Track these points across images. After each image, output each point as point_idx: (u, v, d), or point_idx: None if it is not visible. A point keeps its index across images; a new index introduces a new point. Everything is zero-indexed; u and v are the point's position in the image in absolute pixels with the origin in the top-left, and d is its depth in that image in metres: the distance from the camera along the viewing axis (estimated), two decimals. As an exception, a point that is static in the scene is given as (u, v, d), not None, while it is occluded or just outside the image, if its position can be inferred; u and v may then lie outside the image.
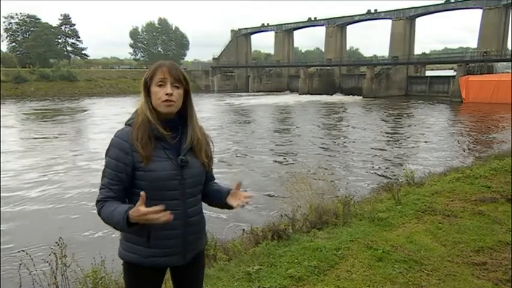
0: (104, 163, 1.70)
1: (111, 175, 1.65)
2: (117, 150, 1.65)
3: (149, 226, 1.59)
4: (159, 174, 1.65)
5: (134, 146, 1.63)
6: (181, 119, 1.76)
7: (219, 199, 1.83)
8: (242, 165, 13.73)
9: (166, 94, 1.66)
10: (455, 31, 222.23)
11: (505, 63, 43.36)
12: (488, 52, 43.30)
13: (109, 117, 27.66)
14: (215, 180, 1.97)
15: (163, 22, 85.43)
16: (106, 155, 1.68)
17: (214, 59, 69.18)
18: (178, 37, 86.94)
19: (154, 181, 1.64)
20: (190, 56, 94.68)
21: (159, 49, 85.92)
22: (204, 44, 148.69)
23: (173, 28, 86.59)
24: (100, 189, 1.67)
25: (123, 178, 1.65)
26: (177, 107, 1.71)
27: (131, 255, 1.72)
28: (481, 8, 46.19)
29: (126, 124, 1.72)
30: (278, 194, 9.71)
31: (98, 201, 1.66)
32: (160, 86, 1.68)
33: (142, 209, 1.49)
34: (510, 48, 47.59)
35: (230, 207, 1.79)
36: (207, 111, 33.57)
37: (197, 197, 1.80)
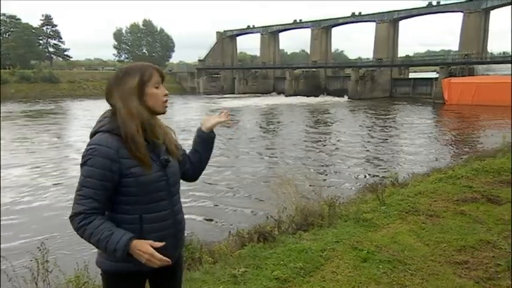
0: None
1: (95, 185, 1.55)
2: (101, 158, 1.55)
3: (143, 233, 1.62)
4: (150, 178, 1.62)
5: (131, 152, 1.58)
6: None
7: (200, 141, 1.90)
8: (227, 167, 13.71)
9: (166, 95, 1.71)
10: (438, 34, 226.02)
11: (485, 65, 44.30)
12: (469, 55, 44.26)
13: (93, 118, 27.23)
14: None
15: (148, 23, 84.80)
16: (85, 164, 1.57)
17: (199, 60, 68.94)
18: (164, 38, 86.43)
19: (145, 185, 1.62)
20: (175, 58, 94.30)
21: (144, 51, 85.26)
22: (190, 46, 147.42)
23: (158, 29, 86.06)
24: (79, 199, 1.55)
25: (109, 187, 1.58)
26: None
27: (124, 264, 1.62)
28: (461, 12, 47.16)
29: (99, 131, 1.62)
30: (264, 195, 9.72)
31: (79, 213, 1.54)
32: (156, 88, 1.69)
33: (153, 251, 1.53)
34: (490, 51, 48.72)
35: (211, 139, 1.90)
36: (193, 113, 33.40)
37: (178, 194, 1.81)
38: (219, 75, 66.85)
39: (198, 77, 64.99)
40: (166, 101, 1.70)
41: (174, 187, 1.75)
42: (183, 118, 27.23)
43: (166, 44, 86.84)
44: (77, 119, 29.62)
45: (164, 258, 1.54)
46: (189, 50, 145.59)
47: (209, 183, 11.35)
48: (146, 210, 1.65)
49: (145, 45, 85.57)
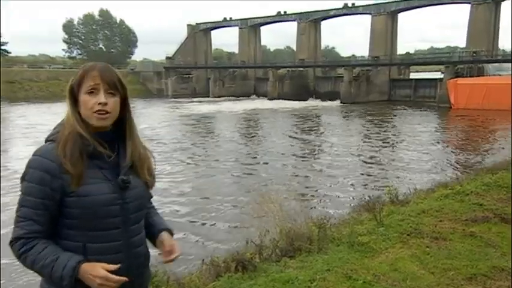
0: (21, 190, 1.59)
1: (35, 204, 1.55)
2: (40, 172, 1.55)
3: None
4: (97, 199, 1.59)
5: (62, 164, 1.55)
6: (117, 131, 1.71)
7: (151, 235, 1.86)
8: (200, 184, 13.65)
9: (99, 104, 1.61)
10: (442, 29, 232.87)
11: (496, 64, 45.45)
12: (478, 52, 45.41)
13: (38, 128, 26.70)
14: (151, 202, 1.97)
15: (105, 14, 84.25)
16: (23, 179, 1.58)
17: (167, 58, 68.93)
18: (124, 32, 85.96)
19: (91, 207, 1.58)
20: (139, 55, 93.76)
21: (101, 45, 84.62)
22: (156, 41, 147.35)
23: (117, 21, 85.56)
24: (19, 222, 1.56)
25: (51, 206, 1.56)
26: (112, 118, 1.66)
27: None
28: (468, 3, 48.41)
29: (47, 140, 1.64)
30: (243, 217, 9.70)
31: (19, 238, 1.55)
32: (91, 93, 1.62)
33: (105, 272, 1.51)
34: (501, 48, 50.22)
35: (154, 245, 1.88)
36: (159, 119, 33.29)
37: (141, 223, 1.77)
38: (190, 76, 66.87)
39: (165, 77, 64.91)
40: (100, 111, 1.61)
41: (135, 214, 1.71)
42: (145, 126, 27.15)
43: (127, 38, 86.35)
44: (10, 128, 28.66)
45: (122, 278, 1.53)
46: (155, 46, 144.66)
47: (178, 203, 11.25)
48: (92, 238, 1.61)
49: (102, 39, 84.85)
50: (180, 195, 12.12)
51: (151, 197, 1.95)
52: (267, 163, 17.07)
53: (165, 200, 11.18)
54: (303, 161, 17.65)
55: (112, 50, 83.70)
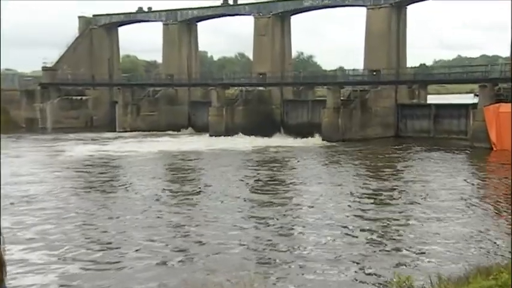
0: None
1: None
2: None
3: None
4: None
5: None
6: None
7: None
8: (94, 277, 13.30)
9: None
10: (473, 30, 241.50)
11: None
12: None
13: None
14: None
15: None
16: None
17: (46, 69, 68.56)
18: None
19: None
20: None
21: None
22: (26, 42, 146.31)
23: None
24: None
25: None
26: None
27: None
28: (510, -6, 50.38)
29: None
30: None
31: None
32: None
33: None
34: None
35: None
36: (27, 168, 32.95)
37: None
38: (84, 97, 66.69)
39: (42, 99, 64.54)
40: None
41: None
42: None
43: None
44: None
45: None
46: (24, 49, 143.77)
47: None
48: None
49: None
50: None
51: None
52: (205, 240, 16.94)
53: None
54: (263, 235, 17.60)
55: None
